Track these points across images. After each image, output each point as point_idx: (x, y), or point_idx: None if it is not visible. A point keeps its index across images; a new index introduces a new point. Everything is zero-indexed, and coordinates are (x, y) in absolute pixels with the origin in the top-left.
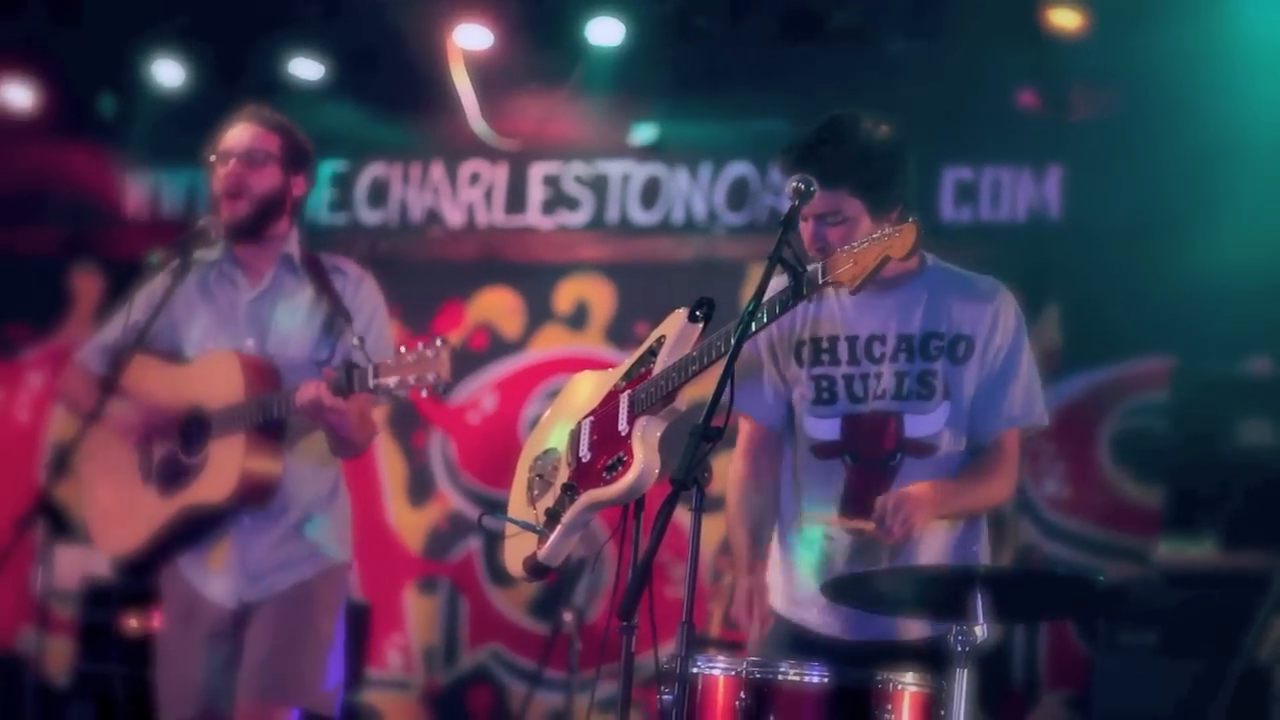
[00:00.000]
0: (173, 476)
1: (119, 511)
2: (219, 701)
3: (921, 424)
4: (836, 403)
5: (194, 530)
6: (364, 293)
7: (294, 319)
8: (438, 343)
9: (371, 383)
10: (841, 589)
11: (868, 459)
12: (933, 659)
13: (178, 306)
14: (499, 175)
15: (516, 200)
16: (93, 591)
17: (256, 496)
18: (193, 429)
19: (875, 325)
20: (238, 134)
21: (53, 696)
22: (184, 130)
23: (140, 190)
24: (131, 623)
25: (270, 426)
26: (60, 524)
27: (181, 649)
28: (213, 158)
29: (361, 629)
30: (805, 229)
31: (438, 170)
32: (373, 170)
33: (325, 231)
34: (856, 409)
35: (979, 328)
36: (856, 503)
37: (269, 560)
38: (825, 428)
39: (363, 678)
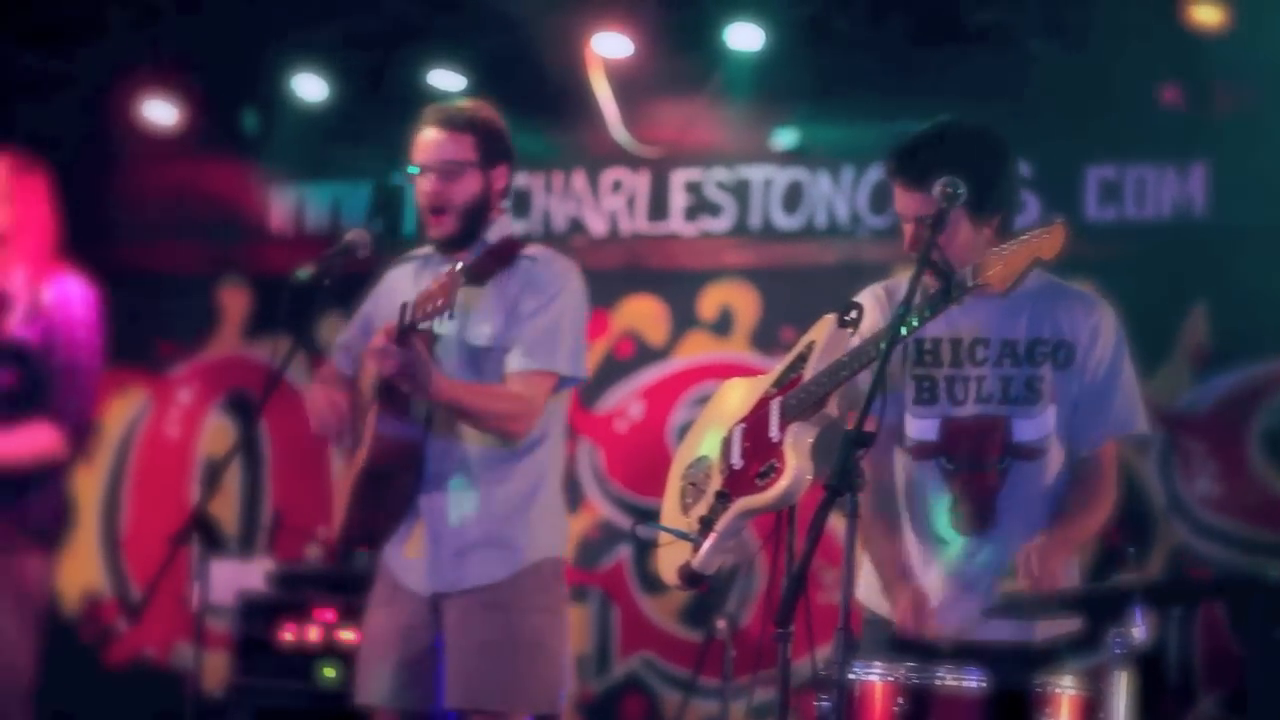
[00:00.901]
0: (355, 451)
1: (338, 499)
2: (410, 694)
3: (1029, 428)
4: (937, 403)
5: (380, 509)
6: (551, 272)
7: (483, 305)
8: (457, 267)
9: (408, 317)
10: (1010, 607)
11: (972, 463)
12: (1056, 659)
13: (400, 294)
14: (641, 183)
15: (659, 207)
16: (247, 605)
17: (395, 465)
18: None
19: (979, 329)
20: (430, 144)
21: (209, 710)
22: (327, 144)
23: (284, 205)
24: (286, 635)
25: (392, 396)
26: (213, 539)
27: (378, 636)
28: (410, 170)
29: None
30: (907, 230)
31: (580, 179)
32: (515, 180)
33: None
34: (955, 411)
35: (1080, 336)
36: (967, 508)
37: (456, 551)
38: (924, 428)
39: None
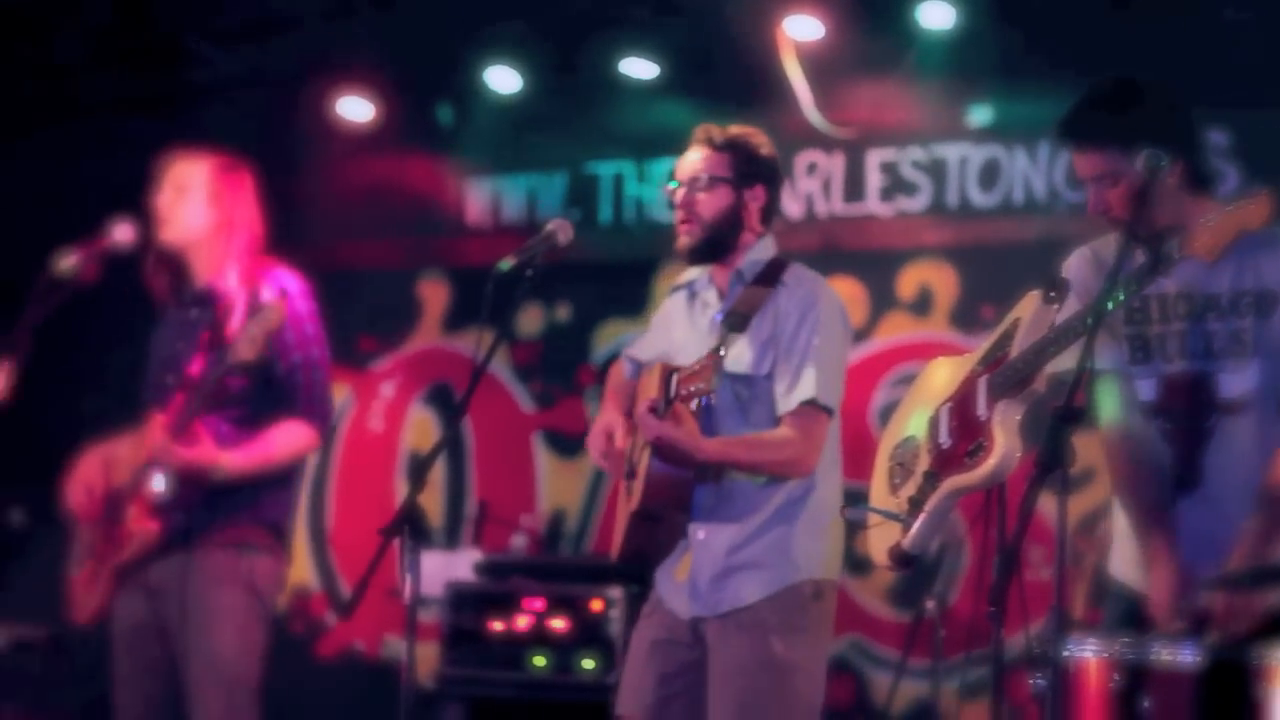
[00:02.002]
0: (630, 477)
1: (617, 522)
2: (662, 710)
3: (1234, 383)
4: (1151, 361)
5: (653, 541)
6: (799, 298)
7: (742, 334)
8: (720, 352)
9: (672, 392)
10: (1231, 580)
11: (1184, 420)
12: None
13: (675, 325)
14: (836, 165)
15: (855, 189)
16: (456, 596)
17: (667, 509)
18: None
19: (1182, 284)
20: (687, 160)
21: (422, 700)
22: (521, 135)
23: (480, 197)
24: (495, 625)
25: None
26: (421, 532)
27: (638, 647)
28: (670, 187)
29: None
30: (1089, 192)
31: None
32: None
33: (666, 230)
34: (1169, 368)
35: None
36: (1176, 467)
37: (715, 576)
38: (1143, 388)
39: None
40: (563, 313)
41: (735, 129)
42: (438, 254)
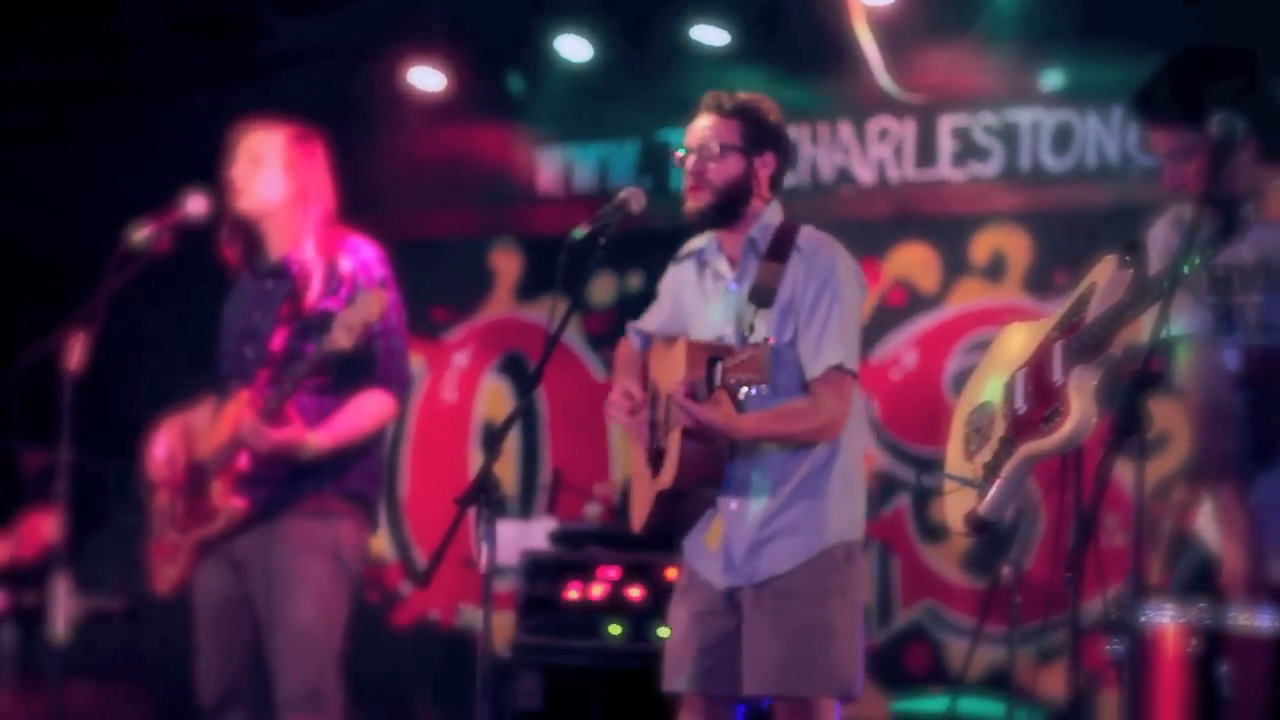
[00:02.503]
0: (656, 461)
1: (637, 493)
2: (709, 679)
3: None
4: (1234, 332)
5: (679, 514)
6: (816, 264)
7: (769, 308)
8: (768, 341)
9: (718, 380)
10: None
11: (1263, 392)
12: None
13: (685, 294)
14: (907, 130)
15: (927, 154)
16: (531, 565)
17: (700, 486)
18: (661, 414)
19: (1259, 253)
20: (697, 127)
21: (498, 669)
22: (592, 103)
23: (552, 167)
24: (571, 594)
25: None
26: (495, 501)
27: (677, 621)
28: (679, 154)
29: None
30: (1166, 168)
31: (846, 129)
32: None
33: None
34: (1250, 340)
35: None
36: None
37: (750, 546)
38: (1229, 359)
39: None
40: (635, 281)
41: (744, 95)
42: (510, 223)
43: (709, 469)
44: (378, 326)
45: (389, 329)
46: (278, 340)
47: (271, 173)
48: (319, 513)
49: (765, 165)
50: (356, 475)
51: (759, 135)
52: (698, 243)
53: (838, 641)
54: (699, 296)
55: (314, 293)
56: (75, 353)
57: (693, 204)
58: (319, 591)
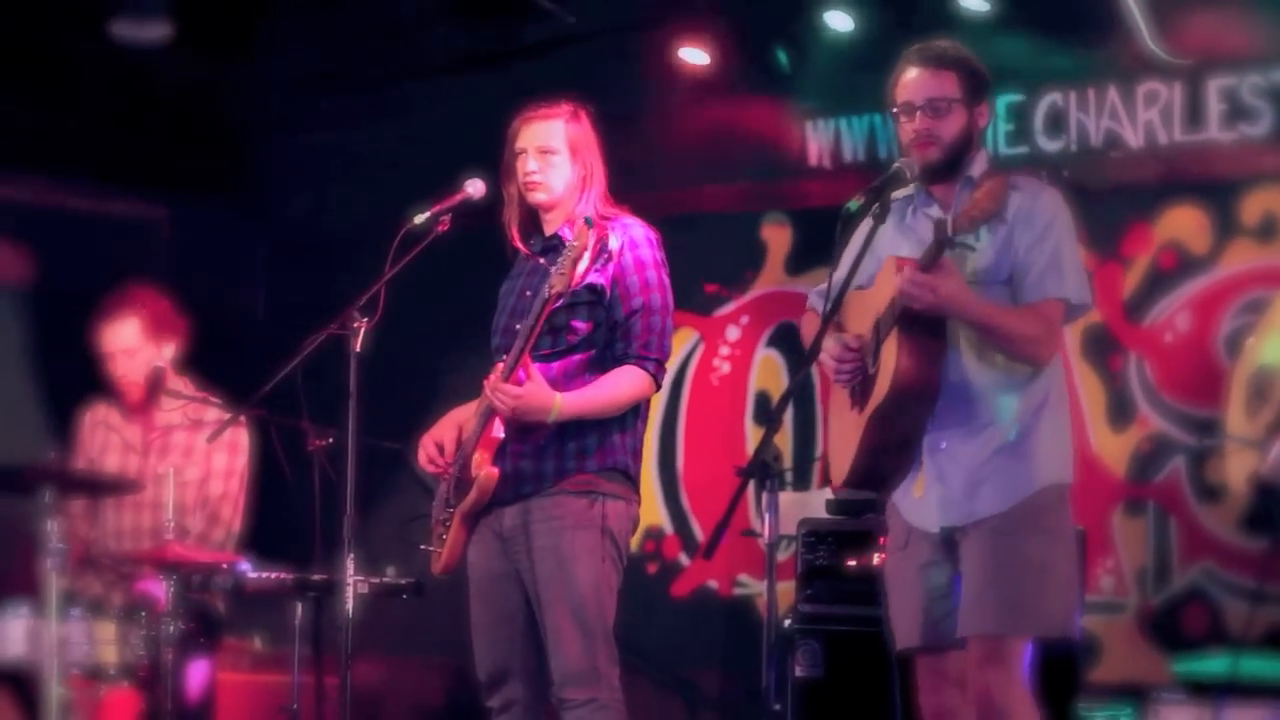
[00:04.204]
0: (863, 392)
1: (840, 443)
2: (939, 630)
3: None
4: None
5: (890, 442)
6: (1040, 203)
7: (979, 244)
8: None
9: (949, 232)
10: None
11: None
12: None
13: (881, 245)
14: (1175, 93)
15: (1195, 116)
16: (810, 534)
17: (915, 397)
18: (871, 341)
19: None
20: (915, 83)
21: (780, 638)
22: (859, 75)
23: (821, 139)
24: (850, 562)
25: (915, 326)
26: (775, 472)
27: (900, 580)
28: (894, 109)
29: (1080, 555)
30: None
31: (1113, 93)
32: (1049, 99)
33: (1005, 164)
34: None
35: None
36: None
37: (966, 485)
38: None
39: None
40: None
41: (951, 45)
42: (779, 197)
43: (926, 371)
44: (637, 302)
45: (651, 308)
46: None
47: (560, 161)
48: (586, 490)
49: (982, 115)
50: (621, 451)
51: (975, 86)
52: (902, 193)
53: (1052, 581)
54: (901, 239)
55: (583, 268)
56: (360, 335)
57: (922, 159)
58: (591, 567)
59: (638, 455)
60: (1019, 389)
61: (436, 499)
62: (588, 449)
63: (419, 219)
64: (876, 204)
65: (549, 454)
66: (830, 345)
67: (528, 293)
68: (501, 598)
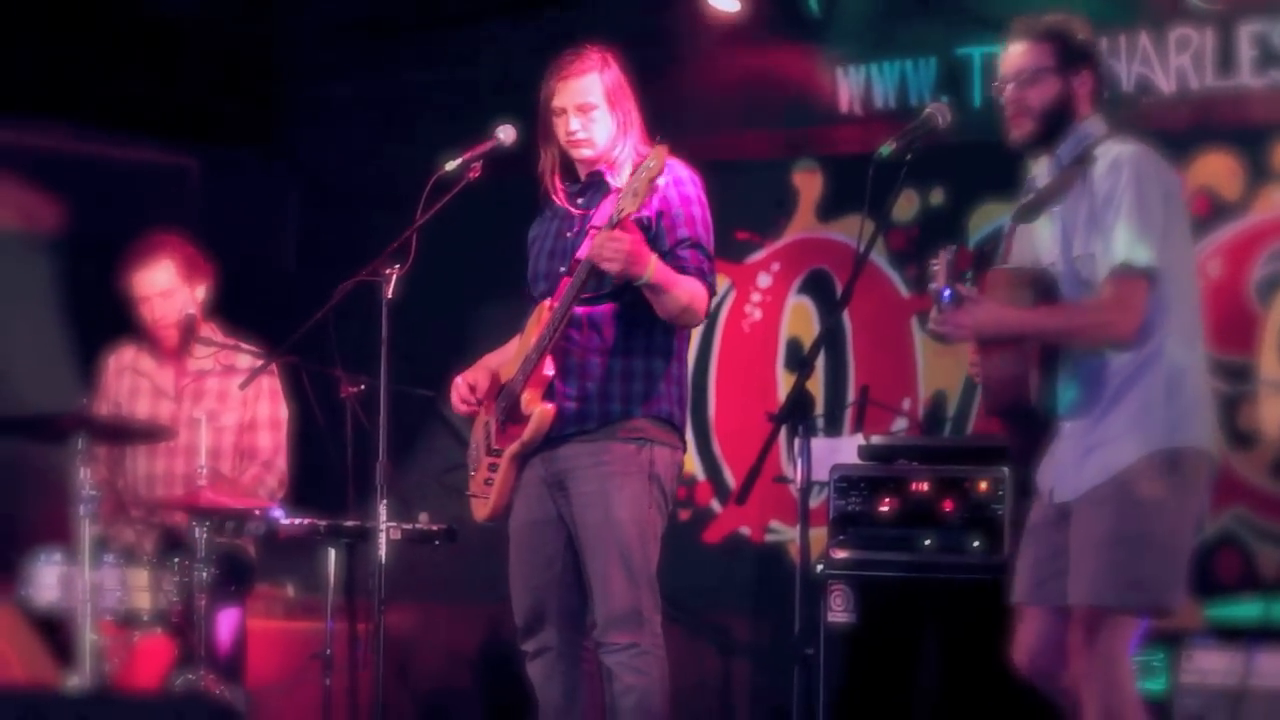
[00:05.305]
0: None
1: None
2: (1043, 590)
3: None
4: None
5: (1028, 435)
6: (1116, 170)
7: (1054, 221)
8: None
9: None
10: None
11: None
12: None
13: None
14: (1207, 39)
15: (1226, 62)
16: (843, 480)
17: (1009, 398)
18: None
19: None
20: (1011, 56)
21: (813, 583)
22: (890, 20)
23: (852, 85)
24: (883, 508)
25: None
26: (807, 418)
27: (1028, 533)
28: (995, 84)
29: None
30: None
31: (1145, 39)
32: None
33: None
34: None
35: None
36: None
37: (1075, 461)
38: None
39: None
40: (937, 197)
41: (1052, 17)
42: (810, 143)
43: (1012, 383)
44: (684, 233)
45: (699, 241)
46: (584, 249)
47: (600, 115)
48: (634, 436)
49: (1083, 83)
50: (667, 400)
51: (1071, 54)
52: (1035, 171)
53: (1150, 553)
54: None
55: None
56: (392, 282)
57: (1016, 132)
58: (637, 513)
59: (684, 404)
60: (1115, 358)
61: (474, 446)
62: (635, 395)
63: (450, 166)
64: (907, 153)
65: (596, 398)
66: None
67: (567, 234)
68: (540, 543)
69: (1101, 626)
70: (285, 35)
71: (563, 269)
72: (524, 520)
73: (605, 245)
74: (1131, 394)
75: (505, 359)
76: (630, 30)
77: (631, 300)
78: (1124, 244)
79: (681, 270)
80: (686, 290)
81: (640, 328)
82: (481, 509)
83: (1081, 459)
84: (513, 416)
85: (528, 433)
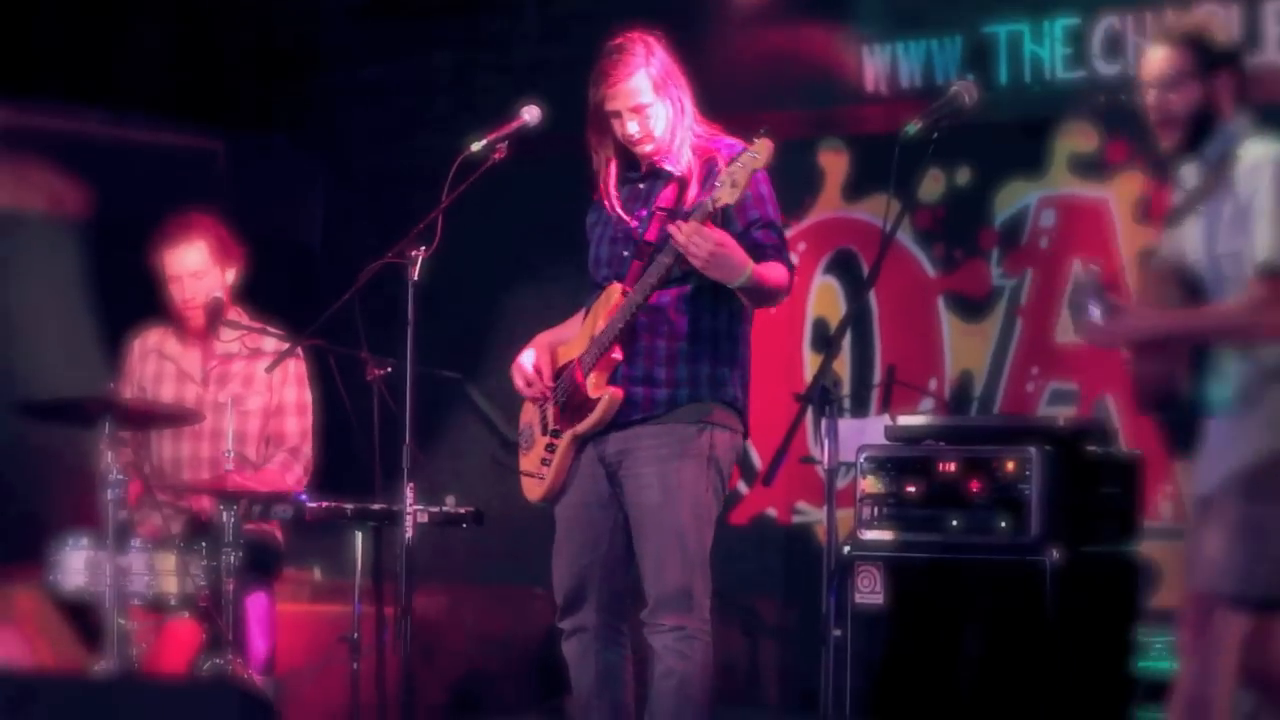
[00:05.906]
0: None
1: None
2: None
3: None
4: None
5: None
6: (1253, 170)
7: (1199, 220)
8: None
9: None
10: None
11: None
12: None
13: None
14: (1232, 16)
15: (1251, 39)
16: (869, 461)
17: (1156, 397)
18: None
19: None
20: (1150, 62)
21: (840, 564)
22: (915, 1)
23: (878, 64)
24: (909, 489)
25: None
26: (833, 399)
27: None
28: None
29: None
30: None
31: (1171, 16)
32: (1106, 21)
33: (1061, 89)
34: None
35: None
36: None
37: (1213, 455)
38: None
39: (1139, 530)
40: (963, 176)
41: (1190, 21)
42: (836, 123)
43: (1159, 384)
44: (755, 214)
45: (769, 220)
46: (653, 232)
47: (656, 109)
48: (698, 419)
49: (1224, 85)
50: (731, 384)
51: (1209, 57)
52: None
53: (1272, 547)
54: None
55: (693, 191)
56: (418, 264)
57: (1165, 143)
58: (695, 496)
59: (746, 388)
60: (1261, 361)
61: (526, 425)
62: (701, 379)
63: (476, 146)
64: (934, 131)
65: (662, 382)
66: None
67: (630, 220)
68: (590, 524)
69: (1215, 614)
70: (311, 17)
71: (626, 253)
72: (576, 501)
73: (694, 238)
74: (1261, 393)
75: (562, 337)
76: (655, 10)
77: (699, 285)
78: (1266, 245)
79: (760, 251)
80: (772, 279)
81: (707, 312)
82: (536, 489)
83: (1222, 453)
84: (575, 397)
85: (594, 416)
